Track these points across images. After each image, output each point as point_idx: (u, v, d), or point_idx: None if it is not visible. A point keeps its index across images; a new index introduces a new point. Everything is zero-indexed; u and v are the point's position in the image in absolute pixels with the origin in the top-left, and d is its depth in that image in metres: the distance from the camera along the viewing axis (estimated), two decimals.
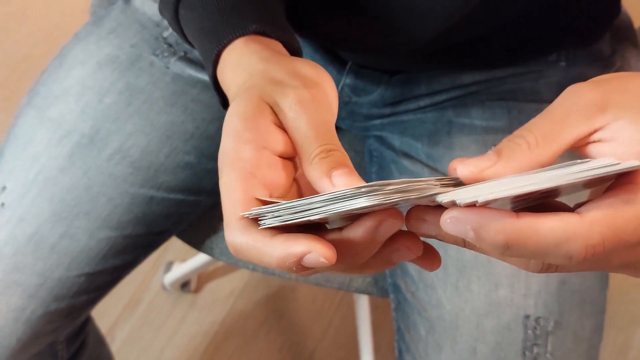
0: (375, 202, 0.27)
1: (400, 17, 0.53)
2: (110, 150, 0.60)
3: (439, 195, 0.28)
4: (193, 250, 0.76)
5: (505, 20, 0.56)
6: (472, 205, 0.27)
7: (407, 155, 0.64)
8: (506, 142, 0.31)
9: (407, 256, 0.32)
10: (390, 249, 0.32)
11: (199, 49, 0.44)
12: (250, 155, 0.33)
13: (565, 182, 0.27)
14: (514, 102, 0.62)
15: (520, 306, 0.56)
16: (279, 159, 0.35)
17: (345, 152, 0.34)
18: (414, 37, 0.55)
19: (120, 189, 0.60)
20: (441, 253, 0.58)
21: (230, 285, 1.23)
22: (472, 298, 0.57)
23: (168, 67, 0.63)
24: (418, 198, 0.28)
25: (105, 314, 1.18)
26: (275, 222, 0.30)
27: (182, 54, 0.63)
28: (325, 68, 0.66)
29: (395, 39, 0.55)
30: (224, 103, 0.43)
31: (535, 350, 0.55)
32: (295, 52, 0.43)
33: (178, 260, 1.21)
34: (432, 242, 0.34)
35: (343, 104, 0.67)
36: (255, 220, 0.32)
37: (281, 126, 0.35)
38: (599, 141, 0.31)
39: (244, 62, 0.39)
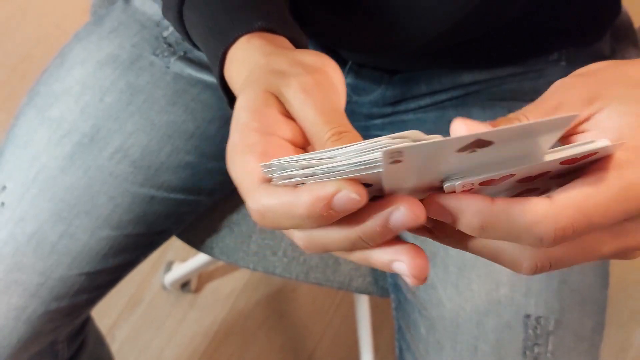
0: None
1: (401, 16, 0.53)
2: (111, 149, 0.60)
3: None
4: (193, 250, 0.76)
5: (506, 19, 0.56)
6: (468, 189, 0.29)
7: None
8: (502, 120, 0.32)
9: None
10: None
11: (204, 49, 0.43)
12: (258, 139, 0.33)
13: (539, 163, 0.28)
14: (514, 101, 0.62)
15: (520, 305, 0.56)
16: (290, 144, 0.34)
17: (358, 134, 0.33)
18: (414, 37, 0.55)
19: (120, 188, 0.60)
20: (442, 252, 0.59)
21: (230, 285, 1.23)
22: (472, 297, 0.57)
23: (168, 67, 0.63)
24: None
25: (105, 314, 1.18)
26: (295, 170, 0.29)
27: (182, 53, 0.63)
28: None
29: (396, 38, 0.55)
30: (232, 103, 0.42)
31: (536, 350, 0.55)
32: (303, 48, 0.42)
33: (178, 260, 1.21)
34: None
35: None
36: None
37: (289, 116, 0.35)
38: (582, 132, 0.32)
39: (247, 59, 0.39)
